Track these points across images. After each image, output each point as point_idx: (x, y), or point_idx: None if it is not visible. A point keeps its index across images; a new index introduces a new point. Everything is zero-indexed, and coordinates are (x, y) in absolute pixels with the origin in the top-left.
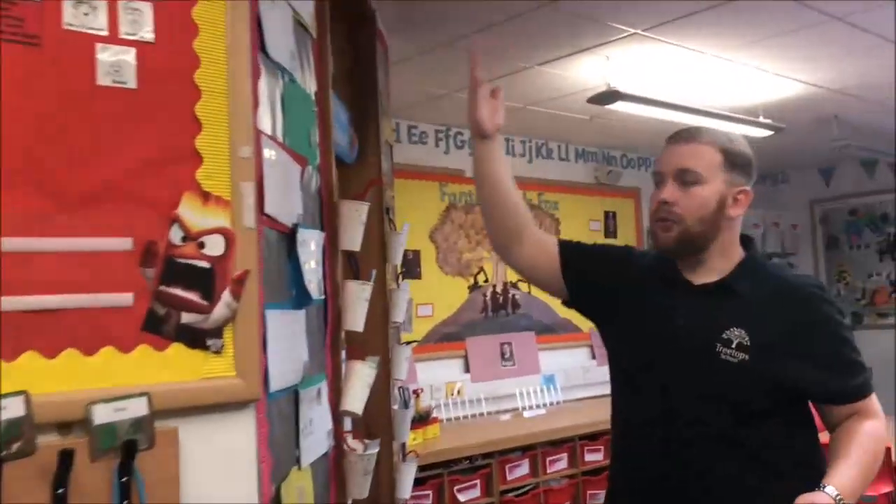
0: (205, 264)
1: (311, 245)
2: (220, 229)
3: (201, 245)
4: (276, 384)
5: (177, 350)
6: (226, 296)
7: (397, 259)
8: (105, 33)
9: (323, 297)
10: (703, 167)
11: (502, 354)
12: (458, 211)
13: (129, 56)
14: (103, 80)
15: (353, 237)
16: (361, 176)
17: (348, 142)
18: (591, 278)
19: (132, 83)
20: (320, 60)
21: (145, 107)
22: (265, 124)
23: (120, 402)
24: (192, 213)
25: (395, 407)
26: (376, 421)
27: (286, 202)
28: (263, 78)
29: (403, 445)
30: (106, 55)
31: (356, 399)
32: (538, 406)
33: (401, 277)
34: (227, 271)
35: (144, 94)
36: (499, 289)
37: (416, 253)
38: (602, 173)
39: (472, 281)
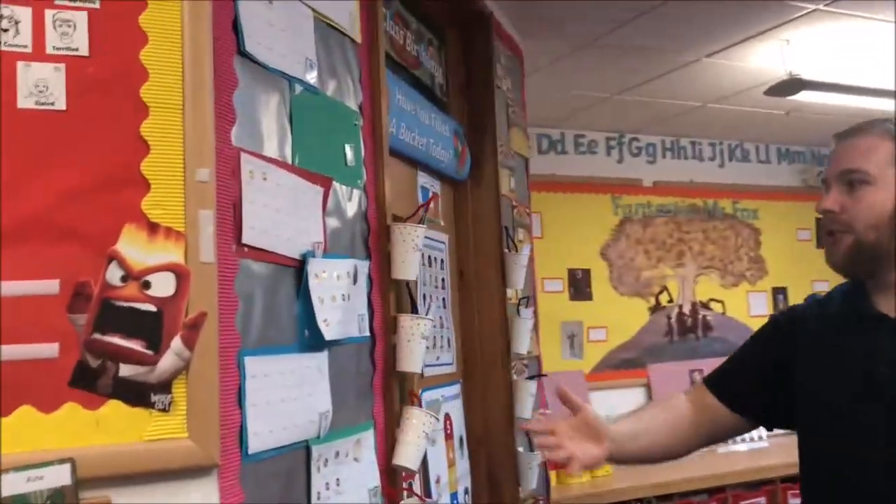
0: (150, 307)
1: (333, 276)
2: (169, 265)
3: (146, 285)
4: (259, 443)
5: (113, 408)
6: (176, 344)
7: (518, 283)
8: (28, 50)
9: (367, 334)
10: (872, 164)
11: (692, 383)
12: (635, 224)
13: (58, 73)
14: (25, 102)
15: (406, 265)
16: (476, 193)
17: (454, 157)
18: (761, 391)
19: (60, 103)
20: (369, 66)
21: (77, 129)
22: (248, 140)
23: (35, 470)
24: (134, 247)
25: (521, 450)
26: (499, 466)
27: (287, 229)
28: (247, 88)
29: (536, 496)
30: (29, 74)
31: (410, 452)
32: (737, 441)
33: (527, 303)
34: (177, 315)
35: (76, 114)
36: (686, 309)
37: (586, 272)
38: (811, 175)
39: (652, 301)
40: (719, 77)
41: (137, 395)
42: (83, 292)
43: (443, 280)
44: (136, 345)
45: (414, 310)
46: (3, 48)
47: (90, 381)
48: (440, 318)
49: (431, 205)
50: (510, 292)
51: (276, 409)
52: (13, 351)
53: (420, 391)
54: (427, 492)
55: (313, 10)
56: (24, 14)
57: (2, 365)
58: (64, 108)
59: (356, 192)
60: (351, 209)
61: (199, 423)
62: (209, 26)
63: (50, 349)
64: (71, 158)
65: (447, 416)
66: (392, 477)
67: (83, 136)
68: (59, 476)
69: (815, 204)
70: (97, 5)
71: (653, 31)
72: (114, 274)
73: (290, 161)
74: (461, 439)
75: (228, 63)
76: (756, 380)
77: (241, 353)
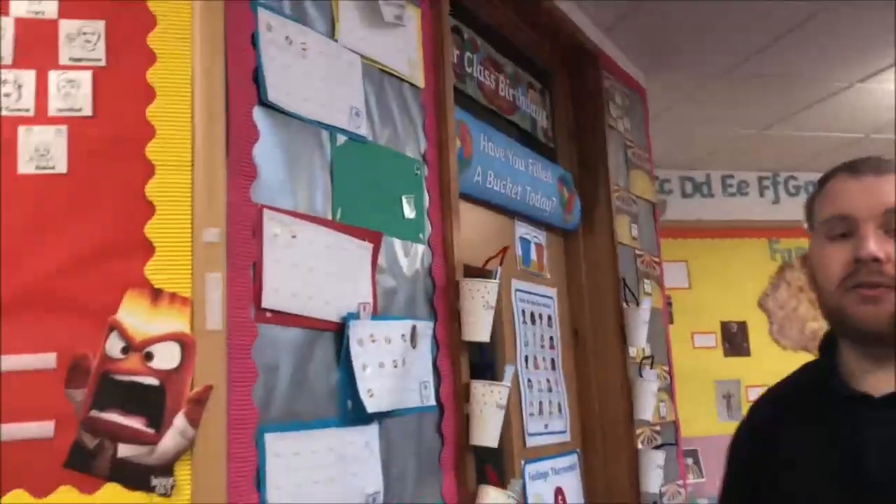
0: (152, 381)
1: (384, 340)
2: (174, 335)
3: (148, 356)
4: None
5: (111, 492)
6: (179, 421)
7: (640, 341)
8: (30, 113)
9: (432, 404)
10: None
11: None
12: (797, 271)
13: (60, 136)
14: (25, 167)
15: (477, 325)
16: (590, 242)
17: (559, 204)
18: None
19: (61, 167)
20: (436, 112)
21: (78, 193)
22: (274, 196)
23: None
24: (136, 316)
25: None
26: None
27: (325, 290)
28: (273, 140)
29: None
30: (30, 138)
31: None
32: None
33: (651, 363)
34: (181, 389)
35: (78, 177)
36: None
37: (742, 325)
38: None
39: None
40: (878, 104)
41: (137, 477)
42: (81, 365)
43: (551, 339)
44: (136, 422)
45: (491, 375)
46: (5, 113)
47: (86, 462)
48: (547, 380)
49: (534, 258)
50: (632, 351)
51: (308, 492)
52: (6, 431)
53: (524, 463)
54: None
55: (364, 57)
56: (28, 77)
57: None
58: (65, 171)
59: (417, 247)
60: (410, 265)
61: None
62: (222, 79)
63: (45, 428)
64: (71, 224)
65: (559, 490)
66: None
67: (84, 199)
68: None
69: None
70: (103, 63)
71: (793, 56)
72: (114, 345)
73: (330, 216)
74: None
75: (247, 115)
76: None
77: (261, 430)
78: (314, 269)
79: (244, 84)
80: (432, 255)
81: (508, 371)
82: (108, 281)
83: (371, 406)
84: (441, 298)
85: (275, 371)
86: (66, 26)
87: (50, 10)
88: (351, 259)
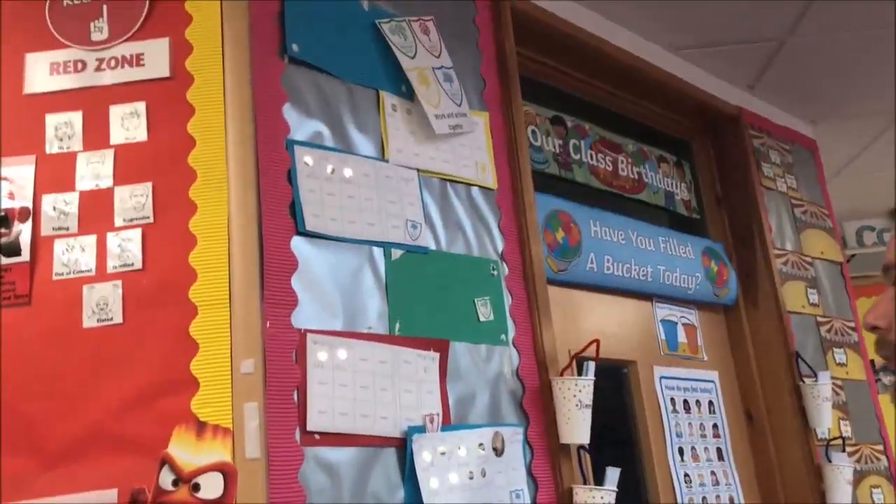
0: None
1: (459, 451)
2: (217, 465)
3: (195, 487)
4: None
5: None
6: None
7: (824, 421)
8: (92, 273)
9: None
10: None
11: None
12: None
13: (116, 289)
14: (89, 321)
15: (572, 426)
16: (753, 316)
17: (706, 279)
18: None
19: (118, 318)
20: (514, 210)
21: (132, 339)
22: (319, 320)
23: None
24: (184, 449)
25: None
26: None
27: (381, 407)
28: (315, 266)
29: None
30: (92, 295)
31: None
32: None
33: (843, 446)
34: None
35: (132, 325)
36: None
37: None
38: None
39: None
40: None
41: None
42: (139, 499)
43: (715, 426)
44: None
45: (598, 478)
46: (73, 276)
47: None
48: (713, 473)
49: (683, 340)
50: (821, 432)
51: None
52: None
53: None
54: None
55: (421, 170)
56: (90, 241)
57: None
58: (121, 321)
59: (500, 349)
60: (492, 369)
61: None
62: (255, 220)
63: None
64: (127, 368)
65: None
66: None
67: (138, 344)
68: None
69: None
70: (151, 220)
71: None
72: (166, 478)
73: (387, 331)
74: None
75: (283, 247)
76: None
77: None
78: (367, 386)
79: (279, 218)
80: (519, 356)
81: (612, 475)
82: (159, 417)
83: None
84: (532, 400)
85: (326, 493)
86: (120, 192)
87: (106, 180)
88: (414, 371)
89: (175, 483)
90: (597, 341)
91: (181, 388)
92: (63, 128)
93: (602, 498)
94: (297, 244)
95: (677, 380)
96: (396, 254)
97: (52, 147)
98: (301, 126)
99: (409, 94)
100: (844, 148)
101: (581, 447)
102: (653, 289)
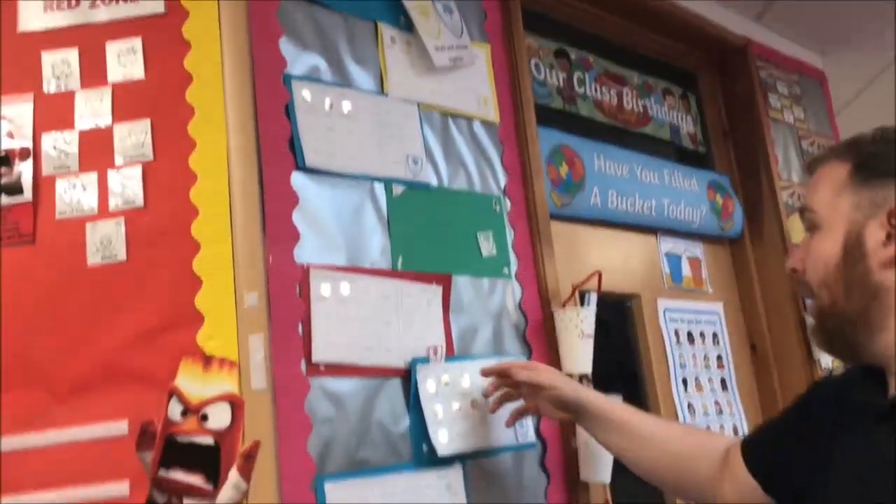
0: (208, 440)
1: (462, 381)
2: (224, 396)
3: (204, 418)
4: None
5: None
6: (233, 475)
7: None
8: (95, 211)
9: (531, 440)
10: (819, 201)
11: None
12: None
13: (118, 227)
14: (93, 258)
15: (574, 356)
16: (759, 248)
17: (711, 212)
18: (791, 472)
19: (121, 255)
20: (517, 144)
21: (137, 276)
22: (322, 254)
23: None
24: (191, 382)
25: None
26: None
27: (386, 339)
28: (316, 201)
29: None
30: (95, 233)
31: None
32: None
33: None
34: (234, 446)
35: (135, 262)
36: None
37: None
38: None
39: None
40: None
41: None
42: (149, 430)
43: (719, 357)
44: (196, 479)
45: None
46: (76, 214)
47: None
48: (717, 403)
49: (688, 273)
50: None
51: None
52: (89, 492)
53: None
54: None
55: (422, 104)
56: (91, 180)
57: None
58: (125, 258)
59: (503, 283)
60: (494, 302)
61: None
62: (254, 156)
63: (122, 488)
64: (133, 304)
65: None
66: None
67: (142, 281)
68: None
69: None
70: (151, 157)
71: None
72: (175, 409)
73: (390, 266)
74: None
75: (283, 183)
76: (786, 459)
77: (319, 480)
78: (371, 318)
79: (279, 154)
80: (522, 290)
81: (614, 399)
82: (166, 351)
83: (443, 450)
84: (535, 332)
85: (331, 422)
86: (119, 130)
87: (105, 119)
88: (417, 304)
89: (184, 414)
90: (599, 273)
91: (186, 323)
92: (60, 66)
93: None
94: (298, 180)
95: (681, 312)
96: (398, 190)
97: (49, 86)
98: (298, 60)
99: (408, 27)
100: (854, 81)
101: (583, 376)
102: (657, 222)
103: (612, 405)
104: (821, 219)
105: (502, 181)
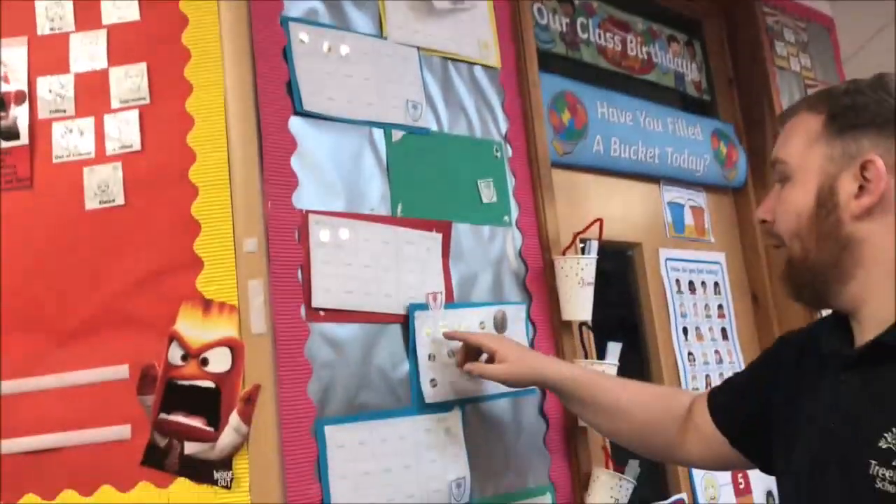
0: (209, 384)
1: (461, 328)
2: (224, 340)
3: (204, 362)
4: None
5: (181, 486)
6: (233, 419)
7: None
8: (92, 155)
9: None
10: (792, 152)
11: None
12: None
13: (116, 171)
14: (91, 203)
15: (574, 303)
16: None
17: (715, 161)
18: (756, 425)
19: (120, 199)
20: (518, 89)
21: (135, 220)
22: (321, 200)
23: None
24: (191, 326)
25: None
26: None
27: (385, 285)
28: (314, 147)
29: None
30: (93, 177)
31: None
32: None
33: None
34: (234, 389)
35: (134, 207)
36: None
37: None
38: None
39: None
40: None
41: (201, 472)
42: (150, 374)
43: (720, 307)
44: (197, 422)
45: (601, 354)
46: (73, 158)
47: (159, 460)
48: (716, 352)
49: (690, 222)
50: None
51: (378, 481)
52: (93, 434)
53: None
54: None
55: (421, 48)
56: (88, 124)
57: (87, 448)
58: (123, 203)
59: (503, 230)
60: (494, 249)
61: (262, 500)
62: (251, 99)
63: (123, 431)
64: (132, 249)
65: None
66: None
67: (141, 226)
68: None
69: None
70: (147, 101)
71: None
72: (175, 353)
73: (390, 213)
74: (769, 494)
75: (281, 127)
76: (754, 413)
77: (320, 423)
78: (370, 265)
79: (276, 97)
80: (523, 237)
81: (613, 348)
82: (166, 296)
83: (431, 396)
84: (535, 280)
85: (331, 367)
86: (115, 73)
87: (101, 62)
88: (416, 251)
89: (184, 358)
90: (600, 220)
91: (186, 268)
92: (54, 8)
93: (604, 371)
94: (296, 124)
95: (683, 261)
96: (397, 135)
97: (43, 28)
98: (296, 2)
99: None
100: (863, 29)
101: (583, 324)
102: (660, 171)
103: (574, 378)
104: (792, 170)
105: (503, 127)
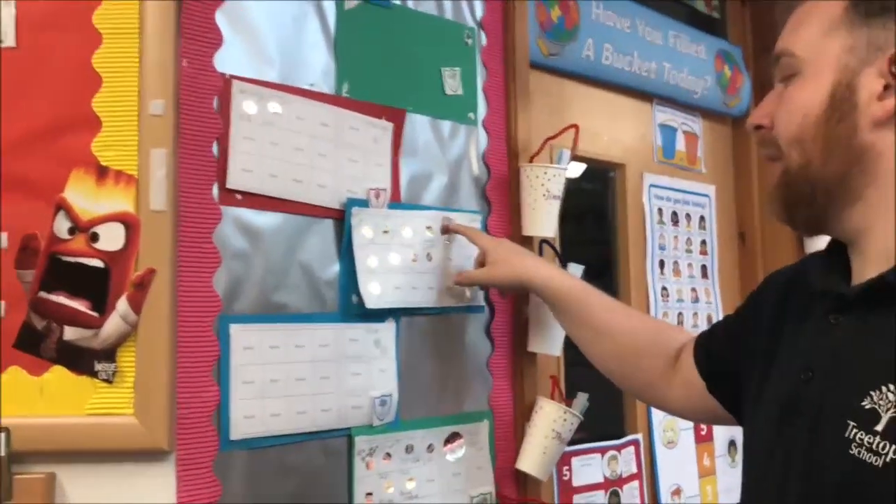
0: (97, 263)
1: (405, 231)
2: (118, 215)
3: (94, 237)
4: (250, 428)
5: (57, 375)
6: (122, 305)
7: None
8: None
9: (479, 304)
10: (802, 41)
11: None
12: None
13: (9, 7)
14: None
15: (536, 218)
16: None
17: (717, 84)
18: (732, 369)
19: (10, 40)
20: None
21: (28, 67)
22: (252, 67)
23: None
24: (82, 195)
25: None
26: None
27: (321, 173)
28: (248, 4)
29: None
30: None
31: (531, 454)
32: None
33: None
34: (125, 272)
35: (27, 51)
36: None
37: None
38: None
39: None
40: None
41: (81, 361)
42: (31, 246)
43: (703, 242)
44: (81, 305)
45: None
46: None
47: (35, 343)
48: (693, 290)
49: (682, 148)
50: None
51: (288, 389)
52: None
53: None
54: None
55: None
56: None
57: None
58: (14, 44)
59: (466, 129)
60: (454, 149)
61: (146, 397)
62: None
63: None
64: (22, 99)
65: None
66: (524, 483)
67: (34, 73)
68: None
69: None
70: None
71: None
72: (61, 225)
73: (333, 91)
74: (732, 443)
75: None
76: (732, 358)
77: (224, 319)
78: (303, 149)
79: None
80: (488, 139)
81: (574, 269)
82: (56, 157)
83: (371, 302)
84: (497, 188)
85: (247, 259)
86: None
87: None
88: (361, 140)
89: (71, 231)
90: (576, 127)
91: (81, 126)
92: None
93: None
94: None
95: (669, 190)
96: (350, 3)
97: None
98: None
99: None
100: None
101: (544, 241)
102: (654, 88)
103: (563, 286)
104: (802, 63)
105: (479, 11)
